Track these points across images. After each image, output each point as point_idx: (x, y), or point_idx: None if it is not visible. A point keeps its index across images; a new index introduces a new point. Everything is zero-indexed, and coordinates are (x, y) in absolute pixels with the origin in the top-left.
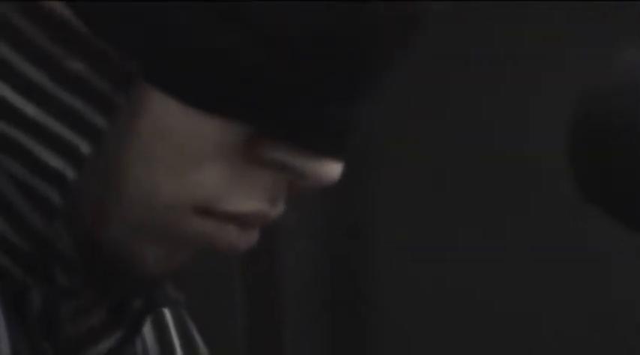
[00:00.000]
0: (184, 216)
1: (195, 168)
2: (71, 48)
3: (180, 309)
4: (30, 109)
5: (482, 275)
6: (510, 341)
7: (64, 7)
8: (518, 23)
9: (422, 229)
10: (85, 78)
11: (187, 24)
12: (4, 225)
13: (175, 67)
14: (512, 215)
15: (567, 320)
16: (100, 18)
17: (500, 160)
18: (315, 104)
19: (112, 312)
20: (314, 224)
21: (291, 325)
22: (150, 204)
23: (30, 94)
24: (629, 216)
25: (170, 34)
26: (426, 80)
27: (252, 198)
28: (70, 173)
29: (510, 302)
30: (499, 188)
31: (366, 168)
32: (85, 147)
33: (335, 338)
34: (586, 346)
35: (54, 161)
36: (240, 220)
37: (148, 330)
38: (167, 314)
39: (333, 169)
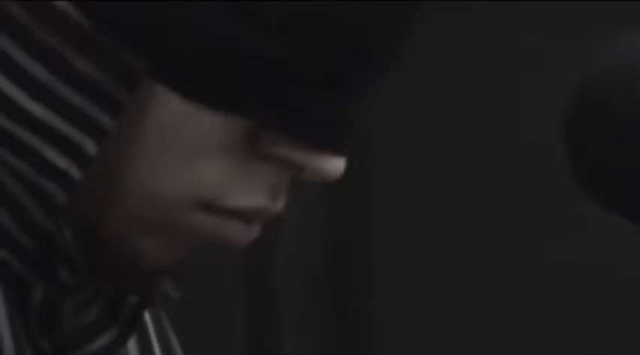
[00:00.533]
0: (187, 211)
1: (199, 164)
2: (77, 47)
3: (159, 312)
4: (36, 108)
5: (484, 272)
6: (508, 338)
7: (70, 7)
8: (514, 16)
9: (421, 225)
10: (91, 77)
11: (189, 20)
12: (8, 222)
13: (178, 63)
14: (512, 210)
15: (562, 315)
16: (105, 16)
17: (498, 154)
18: (318, 99)
19: (110, 308)
20: (312, 217)
21: (288, 321)
22: (153, 199)
23: (36, 93)
24: (628, 206)
25: (172, 31)
26: (423, 75)
27: (254, 193)
28: (75, 172)
29: (510, 299)
30: (498, 181)
31: (365, 162)
32: (90, 147)
33: (333, 334)
34: (578, 339)
35: (58, 159)
36: (243, 215)
37: (131, 344)
38: (147, 317)
39: (336, 164)
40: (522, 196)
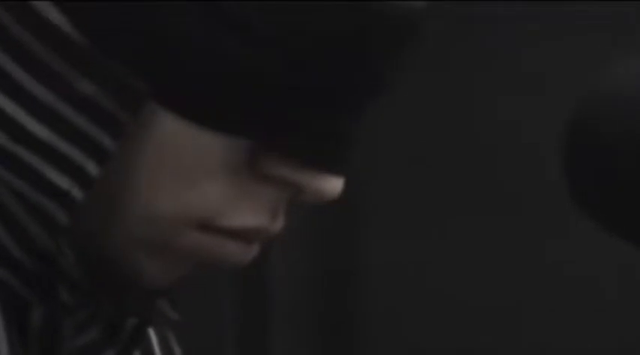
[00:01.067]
0: (186, 231)
1: (198, 184)
2: (79, 68)
3: (165, 331)
4: (38, 128)
5: (480, 279)
6: (506, 340)
7: (71, 28)
8: (510, 23)
9: (415, 238)
10: (93, 98)
11: (189, 42)
12: (8, 241)
13: (178, 85)
14: (508, 215)
15: (562, 315)
16: (107, 39)
17: (493, 161)
18: (318, 120)
19: (108, 329)
20: (305, 232)
21: (279, 336)
22: (152, 219)
23: (39, 114)
24: (625, 227)
25: (173, 53)
26: (418, 83)
27: (253, 213)
28: (77, 193)
29: (508, 300)
30: (494, 194)
31: (360, 176)
32: (92, 169)
33: (324, 348)
34: (578, 340)
35: (60, 180)
36: (242, 235)
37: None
38: (152, 336)
39: (334, 185)
40: (519, 202)
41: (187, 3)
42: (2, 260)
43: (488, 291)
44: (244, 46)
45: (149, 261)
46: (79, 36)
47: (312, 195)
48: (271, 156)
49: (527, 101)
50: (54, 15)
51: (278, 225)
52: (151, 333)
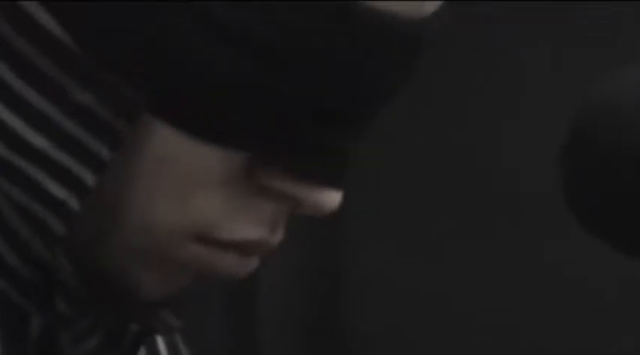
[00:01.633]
0: (183, 242)
1: (196, 196)
2: (77, 78)
3: (174, 337)
4: (35, 138)
5: (472, 287)
6: (499, 349)
7: (69, 38)
8: (509, 23)
9: (408, 240)
10: (91, 108)
11: (187, 55)
12: (6, 250)
13: (176, 98)
14: (502, 225)
15: (555, 314)
16: (103, 49)
17: (489, 163)
18: (317, 133)
19: (109, 337)
20: (295, 243)
21: (268, 340)
22: (150, 230)
23: (37, 124)
24: (623, 241)
25: (171, 65)
26: (408, 98)
27: (252, 225)
28: (73, 203)
29: (501, 316)
30: (490, 195)
31: (348, 186)
32: (89, 179)
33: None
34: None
35: (59, 191)
36: (240, 248)
37: None
38: (160, 342)
39: (332, 198)
40: (515, 203)
41: (184, 15)
42: (0, 270)
43: (484, 292)
44: (241, 59)
45: (147, 273)
46: (76, 46)
47: (311, 208)
48: (269, 168)
49: (527, 104)
50: (51, 25)
51: (277, 237)
52: (159, 342)
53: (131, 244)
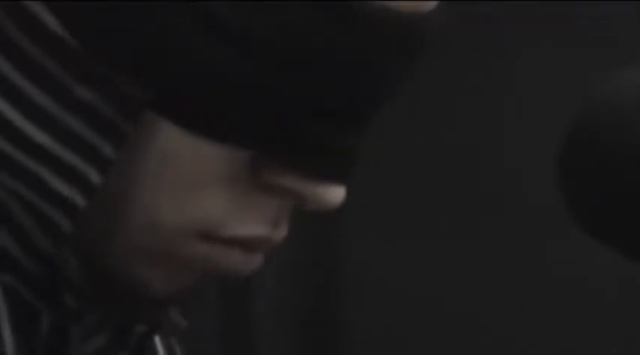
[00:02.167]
0: (188, 240)
1: (199, 194)
2: (80, 76)
3: (170, 338)
4: (41, 137)
5: (467, 285)
6: (496, 349)
7: (72, 37)
8: (509, 23)
9: (403, 238)
10: (94, 106)
11: (191, 54)
12: (15, 248)
13: (179, 96)
14: (497, 224)
15: (555, 314)
16: (107, 47)
17: (486, 161)
18: (320, 129)
19: (116, 335)
20: (290, 237)
21: (263, 340)
22: (154, 228)
23: (41, 122)
24: (616, 238)
25: (174, 63)
26: (402, 99)
27: (255, 222)
28: (79, 201)
29: (497, 315)
30: (487, 193)
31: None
32: (94, 176)
33: (310, 349)
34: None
35: (64, 188)
36: (244, 245)
37: None
38: (158, 342)
39: (336, 194)
40: (508, 202)
41: (186, 14)
42: (9, 266)
43: (478, 291)
44: (243, 58)
45: (152, 271)
46: (78, 44)
47: (314, 204)
48: (272, 165)
49: (526, 103)
50: (54, 23)
51: (281, 234)
52: (157, 341)
53: (136, 242)
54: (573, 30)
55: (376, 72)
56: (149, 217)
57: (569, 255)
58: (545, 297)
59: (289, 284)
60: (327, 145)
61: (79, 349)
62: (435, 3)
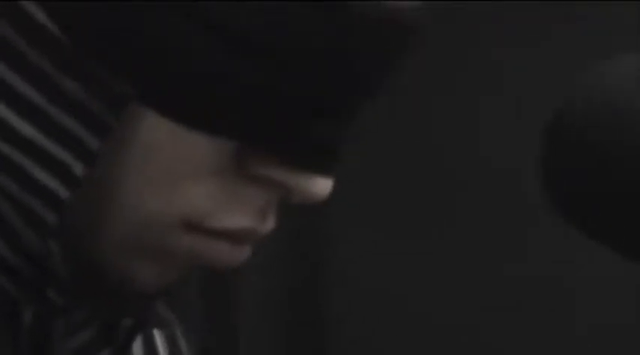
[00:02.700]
0: (174, 232)
1: (186, 185)
2: (66, 69)
3: (173, 330)
4: (26, 129)
5: (444, 297)
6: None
7: (57, 29)
8: (505, 23)
9: (390, 238)
10: (80, 99)
11: (177, 47)
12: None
13: (166, 88)
14: (487, 224)
15: (554, 314)
16: (91, 40)
17: (472, 159)
18: (305, 120)
19: (103, 330)
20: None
21: (247, 331)
22: (140, 221)
23: (26, 114)
24: (598, 231)
25: (159, 55)
26: (385, 98)
27: (242, 214)
28: (63, 193)
29: (472, 325)
30: (462, 205)
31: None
32: (78, 169)
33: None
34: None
35: (48, 181)
36: (231, 236)
37: (137, 351)
38: (156, 335)
39: (323, 186)
40: (495, 200)
41: (172, 7)
42: None
43: (459, 284)
44: (229, 51)
45: (139, 264)
46: (65, 37)
47: (301, 196)
48: (259, 157)
49: (508, 102)
50: (40, 15)
51: (268, 225)
52: (156, 334)
53: (123, 235)
54: (573, 29)
55: (367, 69)
56: (135, 209)
57: (552, 252)
58: (528, 296)
59: (274, 278)
60: (313, 138)
61: (64, 344)
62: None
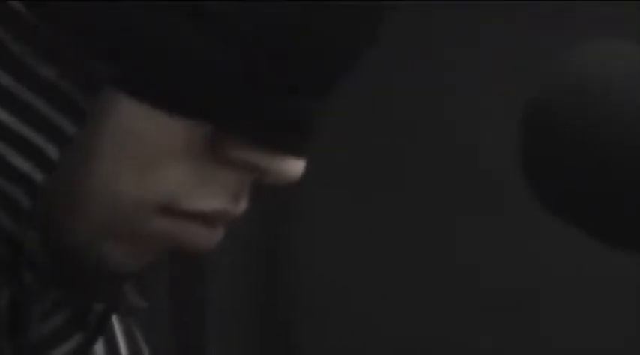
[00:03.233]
0: (148, 215)
1: (160, 168)
2: (41, 53)
3: (127, 319)
4: (1, 114)
5: (418, 302)
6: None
7: (30, 14)
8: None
9: (356, 243)
10: (54, 83)
11: (149, 29)
12: None
13: (138, 70)
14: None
15: (554, 314)
16: (66, 23)
17: (457, 154)
18: (278, 102)
19: (75, 315)
20: (242, 236)
21: (216, 344)
22: (115, 203)
23: (1, 99)
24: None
25: (131, 39)
26: (365, 96)
27: (215, 196)
28: (38, 176)
29: (445, 326)
30: (439, 207)
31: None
32: (53, 152)
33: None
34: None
35: (23, 164)
36: (205, 218)
37: (99, 348)
38: (117, 329)
39: (295, 166)
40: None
41: None
42: None
43: (437, 287)
44: (200, 33)
45: (114, 246)
46: (41, 22)
47: (274, 177)
48: (232, 139)
49: (484, 85)
50: (15, 2)
51: (241, 207)
52: (115, 321)
53: (98, 218)
54: (572, 29)
55: (340, 51)
56: (110, 192)
57: (536, 244)
58: (511, 293)
59: (243, 272)
60: (287, 118)
61: (38, 328)
62: None
